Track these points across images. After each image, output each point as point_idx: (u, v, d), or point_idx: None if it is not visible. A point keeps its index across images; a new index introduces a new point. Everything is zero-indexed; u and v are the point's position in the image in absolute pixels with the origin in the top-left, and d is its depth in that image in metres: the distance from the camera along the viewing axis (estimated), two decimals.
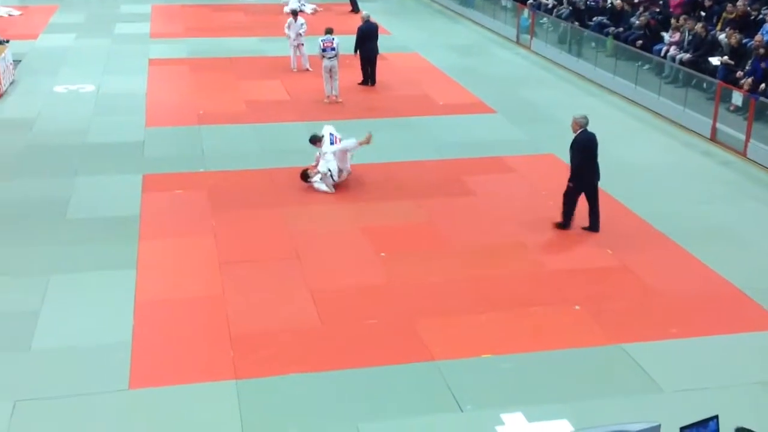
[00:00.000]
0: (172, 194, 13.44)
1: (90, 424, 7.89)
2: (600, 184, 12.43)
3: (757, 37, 17.26)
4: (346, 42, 19.21)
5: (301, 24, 21.05)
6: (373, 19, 20.16)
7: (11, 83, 19.40)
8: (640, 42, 20.26)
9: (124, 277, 10.67)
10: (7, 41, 20.64)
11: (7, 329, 9.47)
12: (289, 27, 21.11)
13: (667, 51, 19.54)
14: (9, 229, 12.06)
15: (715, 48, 18.49)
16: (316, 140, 13.84)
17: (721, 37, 18.60)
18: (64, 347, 9.14)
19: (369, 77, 20.01)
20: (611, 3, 22.70)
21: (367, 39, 19.55)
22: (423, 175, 14.46)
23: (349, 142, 13.69)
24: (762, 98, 15.72)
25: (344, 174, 13.66)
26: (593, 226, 12.17)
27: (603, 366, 9.01)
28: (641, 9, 21.69)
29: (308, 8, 28.74)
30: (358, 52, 19.71)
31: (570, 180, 11.99)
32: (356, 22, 21.04)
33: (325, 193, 13.44)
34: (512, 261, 11.38)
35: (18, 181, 13.86)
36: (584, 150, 11.87)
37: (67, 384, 8.48)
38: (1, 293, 10.28)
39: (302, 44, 21.05)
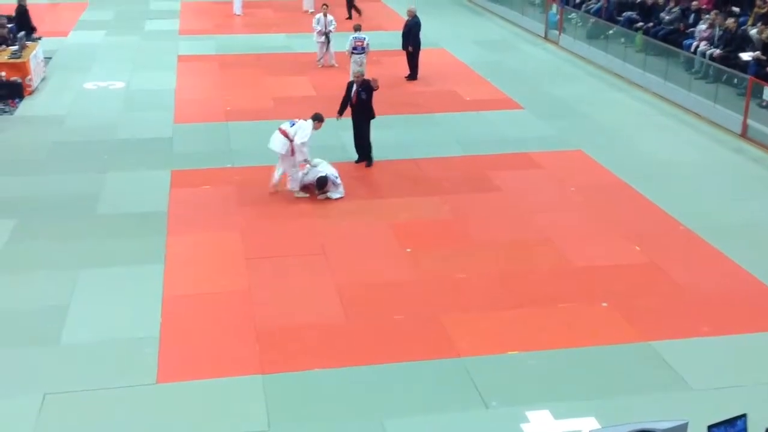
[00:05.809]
0: (199, 190, 13.52)
1: (118, 418, 7.96)
2: (628, 179, 12.35)
3: None
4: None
5: (330, 21, 21.13)
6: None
7: (42, 80, 19.61)
8: (677, 27, 19.99)
9: (153, 272, 10.76)
10: (39, 38, 20.88)
11: (36, 323, 9.58)
12: (318, 22, 21.19)
13: (698, 46, 19.33)
14: (39, 224, 12.18)
15: (746, 43, 18.26)
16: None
17: (753, 32, 18.37)
18: (93, 341, 9.23)
19: (414, 71, 20.27)
20: None
21: (415, 33, 19.91)
22: (449, 171, 14.42)
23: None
24: None
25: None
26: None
27: (631, 363, 8.94)
28: (671, 4, 21.47)
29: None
30: (408, 47, 20.04)
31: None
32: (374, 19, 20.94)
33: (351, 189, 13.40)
34: (539, 257, 11.33)
35: (48, 177, 14.00)
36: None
37: (96, 378, 8.56)
38: (32, 287, 10.40)
39: (329, 41, 21.13)
